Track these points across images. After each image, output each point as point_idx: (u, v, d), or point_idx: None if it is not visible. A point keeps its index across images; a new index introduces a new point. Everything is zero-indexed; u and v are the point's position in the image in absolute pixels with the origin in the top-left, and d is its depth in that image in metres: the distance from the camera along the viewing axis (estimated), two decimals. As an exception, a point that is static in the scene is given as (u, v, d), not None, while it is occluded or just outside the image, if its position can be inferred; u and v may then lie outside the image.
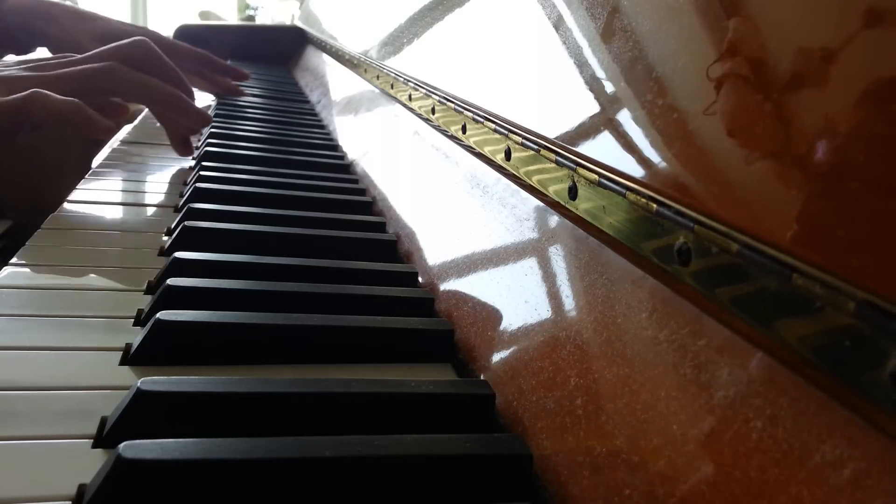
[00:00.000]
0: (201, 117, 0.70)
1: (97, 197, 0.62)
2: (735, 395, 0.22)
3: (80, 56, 0.64)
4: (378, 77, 0.82)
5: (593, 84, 0.34)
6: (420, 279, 0.48)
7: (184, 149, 0.76)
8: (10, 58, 0.67)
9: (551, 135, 0.36)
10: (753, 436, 0.21)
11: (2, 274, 0.43)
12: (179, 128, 0.73)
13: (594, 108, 0.34)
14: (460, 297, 0.42)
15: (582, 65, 0.36)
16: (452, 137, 0.54)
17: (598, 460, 0.26)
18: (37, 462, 0.27)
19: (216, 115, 0.97)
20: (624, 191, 0.29)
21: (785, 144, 0.22)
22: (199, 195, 0.59)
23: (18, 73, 0.60)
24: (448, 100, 0.54)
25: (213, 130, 0.85)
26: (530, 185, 0.39)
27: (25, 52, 0.94)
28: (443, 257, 0.47)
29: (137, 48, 0.66)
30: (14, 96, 0.54)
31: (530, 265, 0.37)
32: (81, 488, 0.26)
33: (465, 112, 0.50)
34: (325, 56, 1.34)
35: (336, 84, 1.14)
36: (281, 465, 0.26)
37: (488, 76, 0.49)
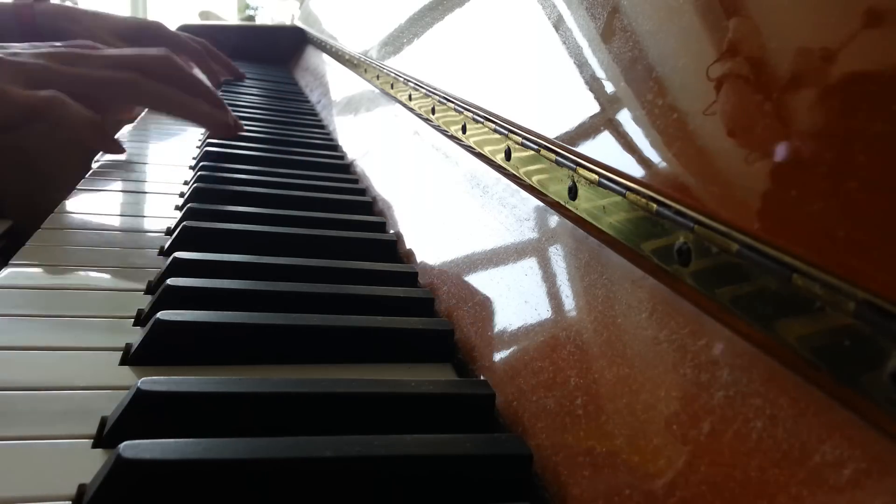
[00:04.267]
0: (229, 129, 0.69)
1: (97, 197, 0.62)
2: (735, 395, 0.22)
3: (95, 54, 0.63)
4: (378, 77, 0.82)
5: (593, 84, 0.34)
6: (420, 279, 0.48)
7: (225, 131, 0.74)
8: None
9: (551, 135, 0.36)
10: (753, 436, 0.21)
11: (2, 274, 0.43)
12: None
13: (594, 108, 0.34)
14: (460, 297, 0.42)
15: (582, 65, 0.36)
16: (452, 137, 0.54)
17: (598, 460, 0.26)
18: (37, 462, 0.27)
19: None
20: (624, 191, 0.29)
21: (785, 144, 0.22)
22: (199, 195, 0.59)
23: (36, 61, 0.58)
24: (448, 100, 0.54)
25: (213, 130, 0.84)
26: (530, 185, 0.39)
27: None
28: (443, 257, 0.47)
29: (160, 62, 0.65)
30: (36, 95, 0.53)
31: (530, 265, 0.37)
32: (81, 488, 0.26)
33: (465, 112, 0.50)
34: (325, 56, 1.34)
35: (336, 84, 1.14)
36: (281, 465, 0.26)
37: (488, 76, 0.49)
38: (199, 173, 0.65)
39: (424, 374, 0.37)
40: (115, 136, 0.58)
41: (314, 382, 0.32)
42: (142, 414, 0.29)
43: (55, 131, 0.67)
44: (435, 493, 0.27)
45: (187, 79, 0.68)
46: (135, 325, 0.39)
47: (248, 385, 0.31)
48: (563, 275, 0.34)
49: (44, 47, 0.61)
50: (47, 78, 0.56)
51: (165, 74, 0.65)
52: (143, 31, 1.09)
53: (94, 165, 0.72)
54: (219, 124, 0.68)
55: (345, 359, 0.37)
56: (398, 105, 0.72)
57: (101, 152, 0.74)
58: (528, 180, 0.40)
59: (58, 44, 0.63)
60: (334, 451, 0.27)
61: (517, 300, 0.37)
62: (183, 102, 0.66)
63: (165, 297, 0.39)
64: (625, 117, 0.31)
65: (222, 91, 1.17)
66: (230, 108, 1.04)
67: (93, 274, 0.45)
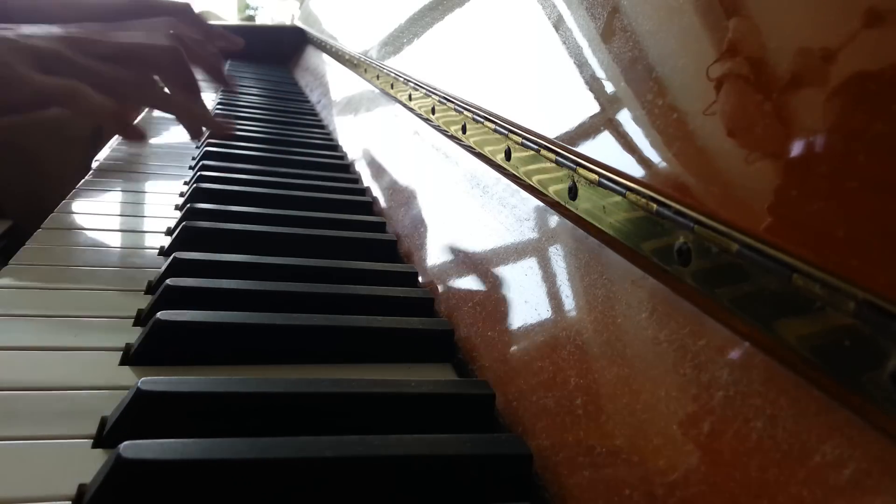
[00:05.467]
0: (229, 130, 0.68)
1: (97, 197, 0.62)
2: (735, 395, 0.22)
3: (104, 40, 0.62)
4: (378, 77, 0.82)
5: (593, 84, 0.34)
6: (420, 279, 0.48)
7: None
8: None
9: (551, 135, 0.36)
10: (753, 436, 0.21)
11: (2, 274, 0.43)
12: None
13: (594, 108, 0.34)
14: (460, 297, 0.42)
15: (582, 65, 0.36)
16: (452, 137, 0.54)
17: (598, 460, 0.26)
18: (37, 462, 0.27)
19: (216, 115, 0.97)
20: (624, 191, 0.29)
21: (785, 144, 0.22)
22: (199, 195, 0.59)
23: (49, 45, 0.57)
24: (448, 100, 0.54)
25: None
26: (530, 185, 0.39)
27: None
28: (443, 257, 0.47)
29: (169, 58, 0.65)
30: (55, 82, 0.53)
31: (530, 265, 0.37)
32: (81, 488, 0.26)
33: (465, 112, 0.50)
34: (325, 56, 1.34)
35: (336, 84, 1.14)
36: (281, 465, 0.26)
37: (488, 76, 0.49)
38: (199, 173, 0.65)
39: (424, 374, 0.37)
40: (136, 123, 0.58)
41: (314, 382, 0.32)
42: (142, 414, 0.29)
43: (55, 131, 0.67)
44: (435, 493, 0.27)
45: (191, 76, 0.67)
46: (135, 325, 0.39)
47: (249, 385, 0.31)
48: (563, 275, 0.34)
49: (55, 29, 0.60)
50: (61, 65, 0.56)
51: (172, 71, 0.65)
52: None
53: (95, 165, 0.72)
54: (221, 127, 0.68)
55: (345, 359, 0.37)
56: (398, 105, 0.72)
57: (100, 152, 0.74)
58: (528, 180, 0.40)
59: (71, 27, 0.62)
60: (334, 451, 0.27)
61: (517, 300, 0.37)
62: (190, 111, 0.66)
63: (165, 297, 0.39)
64: (625, 117, 0.31)
65: (222, 91, 1.16)
66: (230, 107, 1.05)
67: (93, 274, 0.45)
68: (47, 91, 0.53)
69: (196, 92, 0.68)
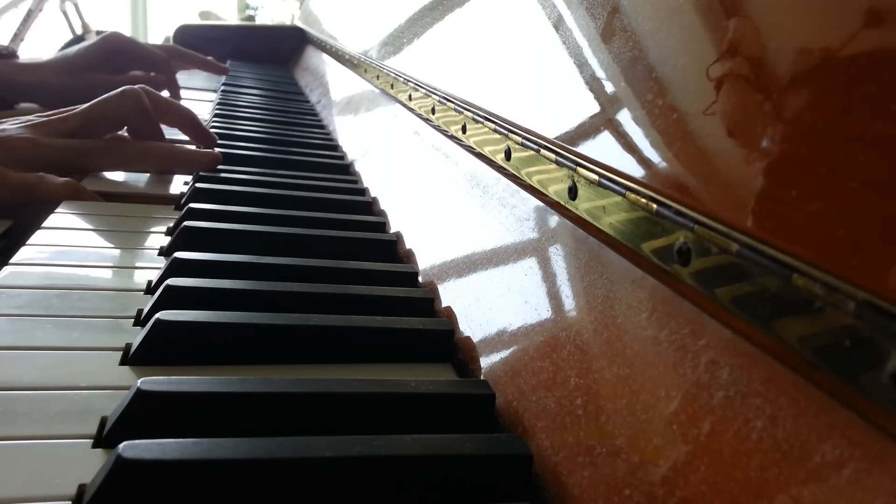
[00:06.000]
0: (211, 161, 0.70)
1: (97, 197, 0.62)
2: (735, 394, 0.22)
3: (70, 113, 0.67)
4: (378, 77, 0.82)
5: (593, 84, 0.34)
6: (420, 279, 0.48)
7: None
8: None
9: (551, 135, 0.36)
10: (753, 436, 0.21)
11: (2, 274, 0.43)
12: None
13: (594, 108, 0.34)
14: (460, 297, 0.42)
15: (582, 65, 0.36)
16: (452, 137, 0.54)
17: (598, 460, 0.26)
18: (37, 462, 0.27)
19: (216, 115, 0.97)
20: (624, 191, 0.29)
21: (785, 144, 0.22)
22: (199, 195, 0.59)
23: (19, 132, 0.63)
24: (448, 100, 0.54)
25: (213, 131, 0.84)
26: (530, 185, 0.39)
27: (10, 108, 1.02)
28: (443, 257, 0.47)
29: (126, 107, 0.68)
30: (24, 177, 0.58)
31: (530, 265, 0.37)
32: (81, 488, 0.26)
33: (465, 112, 0.50)
34: (325, 56, 1.34)
35: (336, 84, 1.14)
36: (281, 465, 0.26)
37: (488, 76, 0.49)
38: (199, 173, 0.65)
39: (424, 374, 0.37)
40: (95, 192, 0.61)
41: (314, 382, 0.32)
42: (142, 414, 0.29)
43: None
44: (435, 493, 0.27)
45: (151, 124, 0.70)
46: (135, 325, 0.39)
47: (248, 385, 0.31)
48: (563, 275, 0.34)
49: (21, 120, 0.65)
50: (35, 154, 0.61)
51: (132, 116, 0.69)
52: (104, 50, 1.09)
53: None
54: (205, 162, 0.69)
55: (345, 359, 0.37)
56: (398, 105, 0.72)
57: None
58: (528, 180, 0.40)
59: (32, 117, 0.67)
60: (334, 451, 0.27)
61: (517, 300, 0.37)
62: (162, 158, 0.69)
63: (165, 297, 0.39)
64: (625, 117, 0.31)
65: (222, 92, 1.17)
66: (230, 107, 1.05)
67: (93, 274, 0.45)
68: (23, 188, 0.58)
69: (161, 136, 0.71)
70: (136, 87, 0.70)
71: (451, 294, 0.43)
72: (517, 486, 0.28)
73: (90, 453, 0.28)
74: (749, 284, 0.22)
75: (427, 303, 0.44)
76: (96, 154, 0.65)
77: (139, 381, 0.29)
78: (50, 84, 1.02)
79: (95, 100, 0.68)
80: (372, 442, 0.27)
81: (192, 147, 0.73)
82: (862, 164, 0.19)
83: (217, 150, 0.72)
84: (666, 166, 0.28)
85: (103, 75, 1.03)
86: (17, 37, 2.73)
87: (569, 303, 0.33)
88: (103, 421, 0.30)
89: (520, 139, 0.40)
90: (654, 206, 0.27)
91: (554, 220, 0.37)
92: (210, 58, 1.31)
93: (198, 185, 0.61)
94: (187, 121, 0.76)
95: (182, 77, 1.22)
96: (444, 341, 0.39)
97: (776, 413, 0.21)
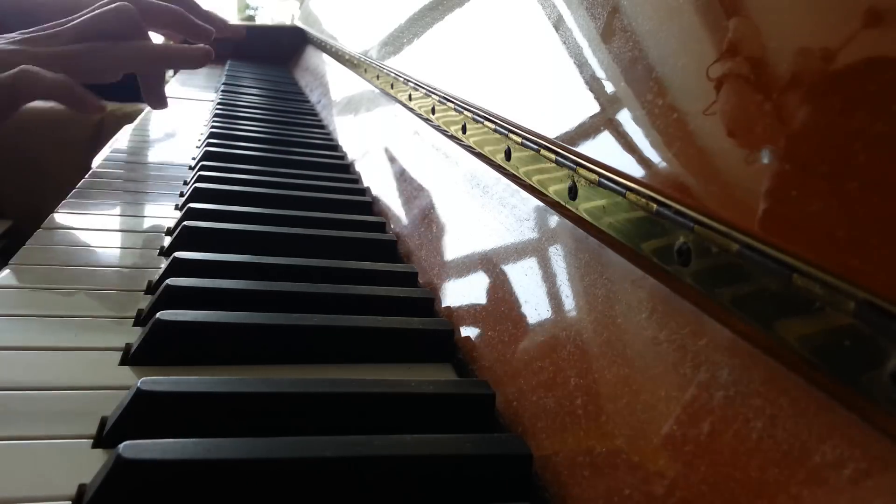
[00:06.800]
0: (202, 56, 0.69)
1: (97, 197, 0.62)
2: (735, 395, 0.22)
3: (61, 28, 0.65)
4: (378, 77, 0.82)
5: (593, 84, 0.34)
6: (420, 279, 0.48)
7: (158, 102, 0.75)
8: None
9: (551, 135, 0.36)
10: (753, 436, 0.21)
11: (2, 274, 0.43)
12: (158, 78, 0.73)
13: (594, 107, 0.34)
14: (460, 297, 0.42)
15: (582, 65, 0.36)
16: (452, 137, 0.54)
17: (598, 460, 0.26)
18: (37, 462, 0.27)
19: (216, 115, 0.97)
20: (624, 191, 0.29)
21: (785, 144, 0.22)
22: (199, 195, 0.59)
23: (7, 46, 0.61)
24: (448, 100, 0.54)
25: (212, 130, 0.85)
26: (530, 185, 0.39)
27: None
28: (443, 257, 0.47)
29: (124, 22, 0.67)
30: (4, 74, 0.55)
31: (530, 265, 0.37)
32: (81, 488, 0.26)
33: (465, 112, 0.50)
34: (325, 56, 1.34)
35: (336, 84, 1.14)
36: (281, 465, 0.26)
37: (488, 76, 0.49)
38: (199, 173, 0.65)
39: (424, 374, 0.37)
40: (93, 97, 0.59)
41: (314, 382, 0.32)
42: (142, 414, 0.29)
43: (54, 131, 0.67)
44: (435, 493, 0.27)
45: (141, 31, 0.68)
46: (135, 325, 0.39)
47: (249, 385, 0.31)
48: (563, 275, 0.34)
49: (16, 35, 0.63)
50: (18, 60, 0.58)
51: (124, 26, 0.66)
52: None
53: (94, 166, 0.72)
54: (196, 57, 0.69)
55: (345, 359, 0.37)
56: (398, 105, 0.72)
57: (100, 153, 0.74)
58: (528, 180, 0.40)
59: (16, 34, 0.65)
60: (334, 451, 0.27)
61: (517, 300, 0.36)
62: (150, 56, 0.67)
63: (165, 297, 0.39)
64: (625, 117, 0.31)
65: (222, 92, 1.16)
66: (230, 107, 1.05)
67: (93, 274, 0.45)
68: (5, 84, 0.55)
69: (169, 24, 0.70)
70: (121, 2, 0.69)
71: (451, 294, 0.43)
72: (517, 485, 0.28)
73: (90, 453, 0.28)
74: (749, 284, 0.22)
75: (427, 303, 0.44)
76: (89, 56, 0.63)
77: (139, 381, 0.29)
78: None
79: (87, 14, 0.66)
80: (372, 442, 0.27)
81: (184, 45, 0.73)
82: (862, 164, 0.19)
83: (215, 148, 0.72)
84: (666, 166, 0.28)
85: None
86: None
87: (569, 303, 0.33)
88: (103, 421, 0.30)
89: (520, 139, 0.40)
90: (654, 206, 0.27)
91: (554, 220, 0.37)
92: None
93: (198, 185, 0.61)
94: (178, 19, 0.75)
95: (182, 77, 1.21)
96: (444, 341, 0.39)
97: (776, 413, 0.21)
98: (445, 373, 0.38)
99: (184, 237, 0.49)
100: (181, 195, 0.63)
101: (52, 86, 0.57)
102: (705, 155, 0.26)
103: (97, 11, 0.67)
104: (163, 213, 0.59)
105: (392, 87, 0.75)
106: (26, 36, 0.63)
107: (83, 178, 0.66)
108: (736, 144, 0.24)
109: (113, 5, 0.68)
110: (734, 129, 0.24)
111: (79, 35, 0.64)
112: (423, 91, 0.61)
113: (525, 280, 0.37)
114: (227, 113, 1.00)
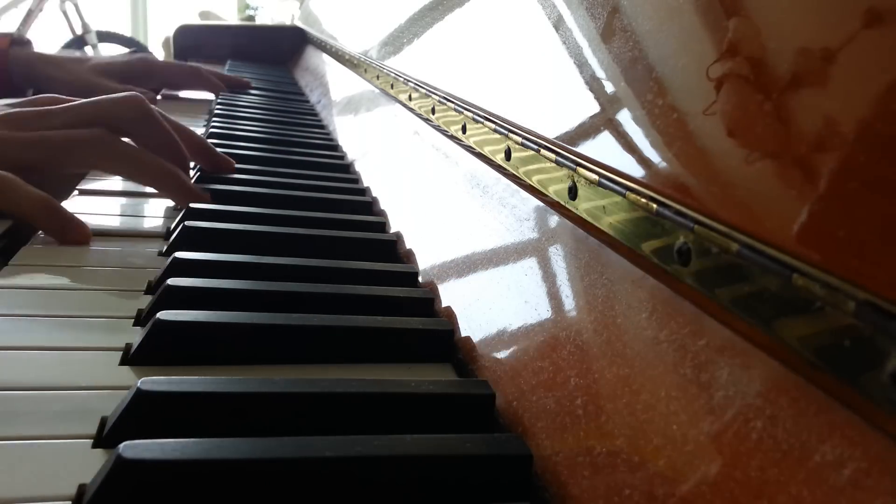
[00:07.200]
0: (192, 195, 0.57)
1: (97, 197, 0.62)
2: (735, 394, 0.22)
3: (61, 107, 0.56)
4: (378, 77, 0.82)
5: (593, 84, 0.34)
6: (420, 279, 0.48)
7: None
8: None
9: (551, 135, 0.36)
10: (753, 436, 0.21)
11: (2, 274, 0.43)
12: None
13: (594, 107, 0.34)
14: (460, 297, 0.42)
15: (582, 65, 0.36)
16: (452, 137, 0.54)
17: (598, 460, 0.26)
18: (37, 462, 0.27)
19: (216, 115, 0.97)
20: (624, 191, 0.29)
21: (785, 144, 0.22)
22: (199, 195, 0.59)
23: None
24: (448, 100, 0.54)
25: (213, 130, 0.85)
26: (530, 185, 0.39)
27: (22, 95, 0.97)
28: (443, 257, 0.47)
29: (130, 109, 0.57)
30: None
31: (530, 265, 0.37)
32: (81, 488, 0.26)
33: (465, 112, 0.50)
34: (325, 56, 1.34)
35: (336, 84, 1.14)
36: (281, 465, 0.26)
37: (488, 76, 0.49)
38: (198, 173, 0.65)
39: (424, 374, 0.37)
40: (80, 223, 0.50)
41: (314, 382, 0.32)
42: (142, 414, 0.29)
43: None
44: (435, 493, 0.27)
45: (158, 129, 0.58)
46: (135, 325, 0.39)
47: (248, 385, 0.31)
48: (563, 275, 0.34)
49: (1, 108, 0.55)
50: (6, 143, 0.51)
51: (135, 121, 0.57)
52: (133, 67, 1.10)
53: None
54: (187, 197, 0.56)
55: (345, 359, 0.37)
56: (398, 105, 0.72)
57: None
58: (528, 180, 0.40)
59: (15, 101, 0.57)
60: (334, 451, 0.27)
61: (517, 300, 0.37)
62: (156, 172, 0.56)
63: (165, 297, 0.39)
64: (625, 117, 0.31)
65: (222, 94, 1.17)
66: (230, 107, 1.05)
67: (93, 274, 0.45)
68: None
69: (175, 151, 0.58)
70: (134, 94, 0.59)
71: (451, 294, 0.43)
72: (517, 486, 0.28)
73: (90, 453, 0.28)
74: (749, 284, 0.22)
75: (427, 303, 0.44)
76: (74, 146, 0.53)
77: (139, 381, 0.29)
78: (84, 80, 0.99)
79: (92, 98, 0.58)
80: (372, 442, 0.27)
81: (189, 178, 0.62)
82: (862, 164, 0.19)
83: (221, 150, 0.67)
84: (666, 166, 0.28)
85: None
86: (17, 37, 2.74)
87: (569, 303, 0.33)
88: (103, 421, 0.30)
89: (520, 139, 0.40)
90: (654, 206, 0.27)
91: (554, 220, 0.37)
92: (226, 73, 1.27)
93: (197, 184, 0.61)
94: (197, 147, 0.64)
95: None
96: (444, 341, 0.39)
97: (776, 413, 0.21)
98: (445, 373, 0.38)
99: (184, 237, 0.49)
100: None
101: (30, 205, 0.48)
102: (705, 155, 0.26)
103: (104, 96, 0.57)
104: (163, 214, 0.59)
105: (392, 87, 0.75)
106: (14, 110, 0.54)
107: (83, 178, 0.66)
108: (736, 144, 0.24)
109: (125, 93, 0.58)
110: (734, 129, 0.24)
111: (77, 120, 0.55)
112: (423, 91, 0.61)
113: (525, 280, 0.37)
114: (226, 113, 1.00)
